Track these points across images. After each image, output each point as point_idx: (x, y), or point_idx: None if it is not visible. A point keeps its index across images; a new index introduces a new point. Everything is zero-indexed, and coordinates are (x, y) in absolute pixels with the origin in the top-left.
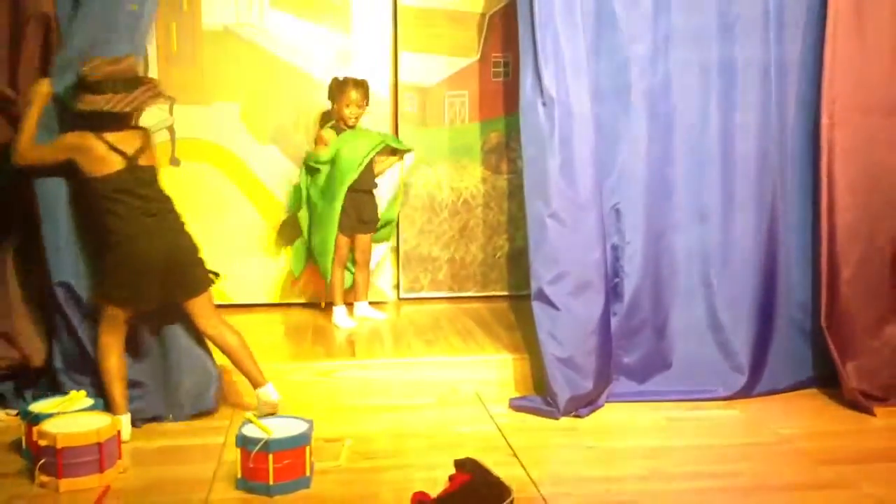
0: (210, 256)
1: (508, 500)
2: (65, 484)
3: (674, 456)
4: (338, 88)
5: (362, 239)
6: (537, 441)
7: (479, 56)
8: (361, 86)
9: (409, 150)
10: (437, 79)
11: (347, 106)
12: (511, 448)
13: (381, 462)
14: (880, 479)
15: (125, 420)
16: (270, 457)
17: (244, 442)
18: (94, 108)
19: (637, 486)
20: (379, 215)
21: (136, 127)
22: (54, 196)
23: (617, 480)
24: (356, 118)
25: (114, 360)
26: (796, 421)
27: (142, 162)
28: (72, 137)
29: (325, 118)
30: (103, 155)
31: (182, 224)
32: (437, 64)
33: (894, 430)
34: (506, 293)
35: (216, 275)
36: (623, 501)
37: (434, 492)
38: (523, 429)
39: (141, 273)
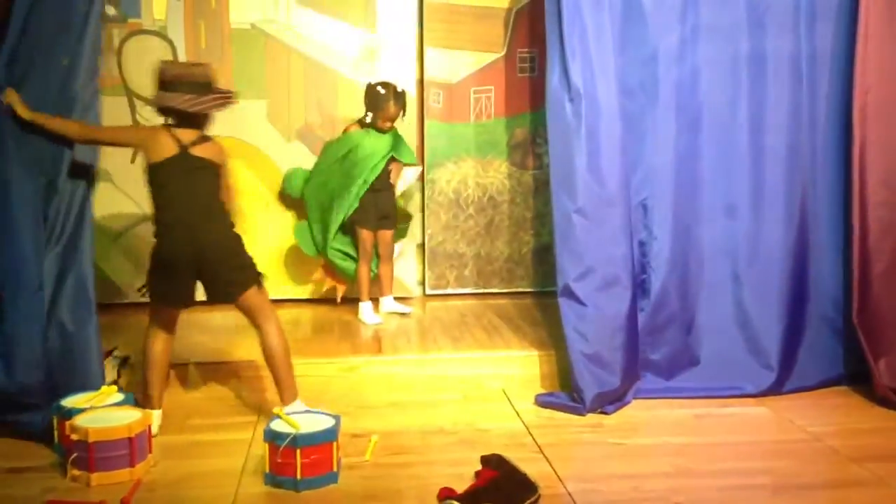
0: None
1: (535, 497)
2: (96, 478)
3: (701, 453)
4: (378, 100)
5: (384, 234)
6: (563, 438)
7: (504, 52)
8: (401, 98)
9: (413, 165)
10: (462, 75)
11: (384, 119)
12: (537, 444)
13: (408, 458)
14: None
15: (156, 416)
16: (298, 452)
17: (272, 437)
18: (163, 105)
19: (664, 484)
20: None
21: (206, 136)
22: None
23: (644, 477)
24: (391, 127)
25: (153, 353)
26: (826, 418)
27: (195, 152)
28: (144, 126)
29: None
30: (162, 141)
31: (226, 224)
32: (462, 60)
33: None
34: (532, 289)
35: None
36: (650, 499)
37: (460, 488)
38: (549, 425)
39: (169, 269)
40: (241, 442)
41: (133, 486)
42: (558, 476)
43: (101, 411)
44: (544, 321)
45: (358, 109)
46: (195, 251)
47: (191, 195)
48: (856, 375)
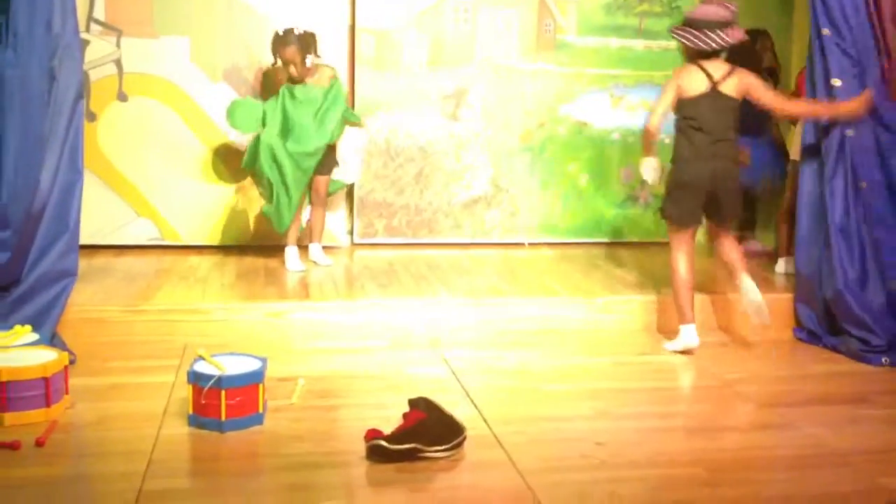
0: (158, 195)
1: (461, 438)
2: (9, 417)
3: (619, 398)
4: (276, 44)
5: (319, 179)
6: (489, 383)
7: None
8: (303, 41)
9: (357, 124)
10: (395, 22)
11: (286, 64)
12: (464, 389)
13: (335, 401)
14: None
15: (688, 330)
16: (223, 393)
17: (196, 378)
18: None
19: (585, 425)
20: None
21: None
22: None
23: (565, 420)
24: (300, 74)
25: (679, 272)
26: (740, 366)
27: (724, 90)
28: (677, 69)
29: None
30: (694, 76)
31: (736, 155)
32: (396, 7)
33: None
34: (460, 241)
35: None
36: (572, 438)
37: (388, 430)
38: (476, 371)
39: (684, 192)
40: (164, 384)
41: (48, 426)
42: (484, 418)
43: (14, 350)
44: (472, 271)
45: None
46: (711, 177)
47: (710, 131)
48: None
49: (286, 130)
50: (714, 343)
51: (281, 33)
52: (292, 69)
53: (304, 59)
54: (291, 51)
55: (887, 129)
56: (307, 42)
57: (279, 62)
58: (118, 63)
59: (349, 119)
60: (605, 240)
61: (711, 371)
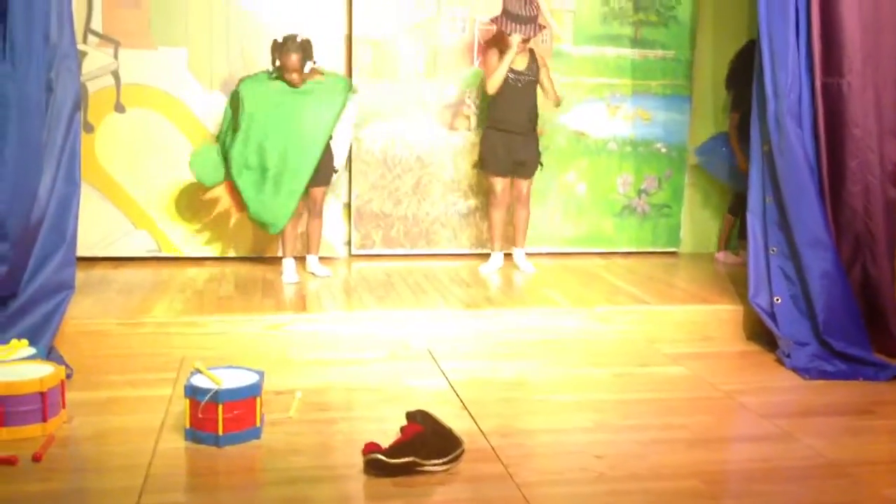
0: (155, 207)
1: (459, 451)
2: (6, 432)
3: (619, 409)
4: (277, 51)
5: (316, 190)
6: (487, 395)
7: (437, 10)
8: (302, 48)
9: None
10: (392, 31)
11: (287, 71)
12: (461, 401)
13: (332, 414)
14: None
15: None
16: (220, 407)
17: (193, 392)
18: None
19: (585, 437)
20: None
21: None
22: None
23: (564, 432)
24: (299, 80)
25: None
26: (738, 377)
27: None
28: None
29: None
30: None
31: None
32: (393, 17)
33: None
34: (458, 251)
35: None
36: (571, 451)
37: (385, 443)
38: (473, 383)
39: None
40: (160, 398)
41: (45, 441)
42: (482, 431)
43: (11, 365)
44: (471, 282)
45: None
46: None
47: None
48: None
49: (280, 124)
50: (712, 353)
51: (281, 41)
52: (294, 76)
53: (304, 65)
54: (293, 58)
55: None
56: (307, 49)
57: (278, 69)
58: (116, 74)
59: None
60: (604, 249)
61: (711, 381)
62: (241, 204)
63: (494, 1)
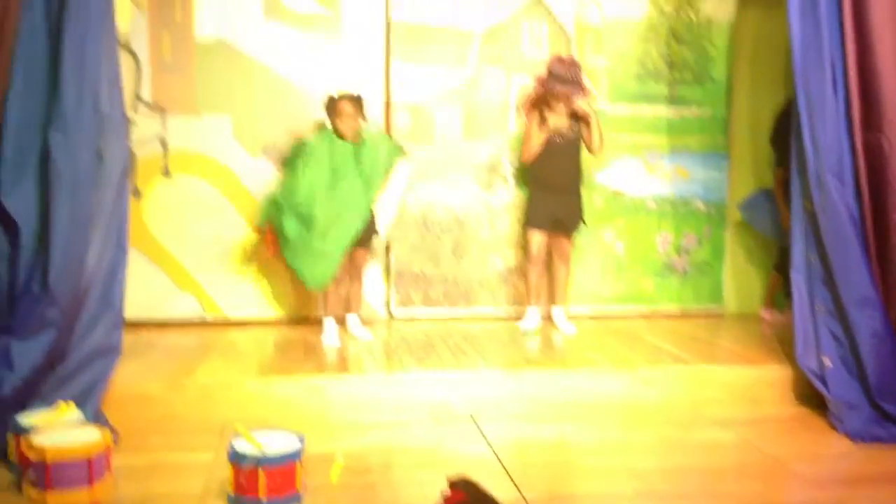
0: (201, 270)
1: None
2: (53, 498)
3: (666, 477)
4: (332, 104)
5: (358, 252)
6: (530, 460)
7: (471, 73)
8: (356, 103)
9: (402, 155)
10: (429, 95)
11: (343, 123)
12: (504, 467)
13: (372, 478)
14: None
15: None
16: (262, 473)
17: (237, 457)
18: None
19: None
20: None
21: None
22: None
23: (609, 498)
24: (354, 135)
25: None
26: (787, 442)
27: None
28: None
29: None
30: None
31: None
32: (429, 80)
33: None
34: (497, 311)
35: None
36: None
37: None
38: (515, 447)
39: None
40: (203, 463)
41: None
42: (525, 498)
43: (58, 429)
44: (510, 342)
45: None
46: None
47: None
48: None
49: (332, 179)
50: (760, 417)
51: (336, 96)
52: (351, 123)
53: (359, 116)
54: (349, 107)
55: None
56: (360, 103)
57: (332, 124)
58: (163, 141)
59: (395, 157)
60: (644, 309)
61: (760, 447)
62: (276, 247)
63: (531, 62)
